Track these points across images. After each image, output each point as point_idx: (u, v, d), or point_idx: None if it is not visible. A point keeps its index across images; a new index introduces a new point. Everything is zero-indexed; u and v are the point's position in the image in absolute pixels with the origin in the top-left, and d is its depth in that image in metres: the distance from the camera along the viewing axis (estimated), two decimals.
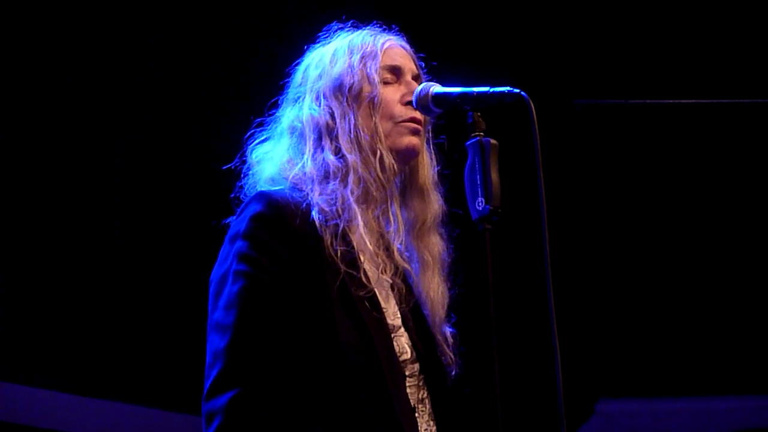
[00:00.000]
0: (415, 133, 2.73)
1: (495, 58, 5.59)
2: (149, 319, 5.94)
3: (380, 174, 2.67)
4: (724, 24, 5.66)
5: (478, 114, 2.54)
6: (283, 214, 2.56)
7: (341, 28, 2.85)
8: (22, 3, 5.00)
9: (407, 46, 2.84)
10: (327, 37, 2.86)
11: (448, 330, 2.77)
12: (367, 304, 2.55)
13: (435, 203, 2.81)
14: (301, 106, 2.75)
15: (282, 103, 2.83)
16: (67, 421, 6.38)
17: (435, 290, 2.76)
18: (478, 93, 2.56)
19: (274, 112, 2.83)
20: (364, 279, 2.57)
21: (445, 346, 2.73)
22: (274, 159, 2.73)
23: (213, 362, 2.48)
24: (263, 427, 2.43)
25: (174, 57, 5.29)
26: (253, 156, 2.77)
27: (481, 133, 2.51)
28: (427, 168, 2.82)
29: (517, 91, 2.53)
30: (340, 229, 2.58)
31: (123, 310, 5.89)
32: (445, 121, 2.84)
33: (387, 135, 2.70)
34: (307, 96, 2.76)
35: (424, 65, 2.86)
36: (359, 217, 2.61)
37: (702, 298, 6.63)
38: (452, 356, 2.74)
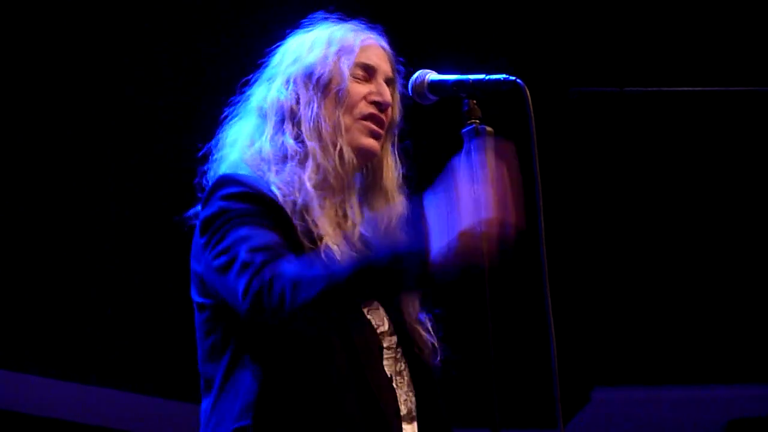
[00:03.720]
0: (373, 135, 2.73)
1: (491, 46, 5.58)
2: (145, 309, 5.94)
3: (339, 166, 2.67)
4: (720, 10, 5.65)
5: (474, 101, 2.54)
6: (251, 186, 2.57)
7: (326, 18, 2.85)
8: None
9: (387, 48, 2.84)
10: (311, 24, 2.85)
11: (425, 318, 2.76)
12: None
13: (399, 205, 2.79)
14: (269, 87, 2.76)
15: (255, 81, 2.83)
16: (64, 409, 6.39)
17: None
18: (474, 80, 2.57)
19: (246, 91, 2.83)
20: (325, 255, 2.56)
21: (424, 333, 2.73)
22: (238, 142, 2.74)
23: (238, 273, 2.43)
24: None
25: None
26: (222, 138, 2.78)
27: (477, 121, 2.51)
28: (391, 170, 2.81)
29: (513, 78, 2.54)
30: (298, 207, 2.58)
31: (119, 299, 5.90)
32: (410, 126, 2.84)
33: (347, 130, 2.70)
34: (278, 78, 2.77)
35: (402, 70, 2.86)
36: (315, 201, 2.62)
37: (697, 288, 6.63)
38: (434, 342, 2.74)
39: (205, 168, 2.77)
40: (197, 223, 2.63)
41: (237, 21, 5.34)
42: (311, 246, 2.56)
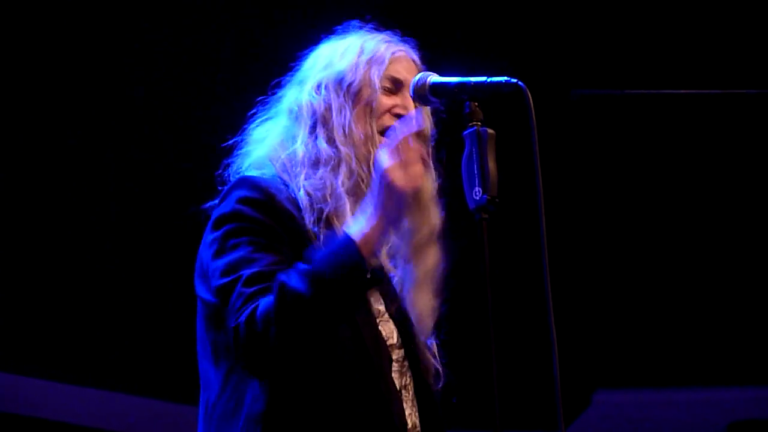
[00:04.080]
0: None
1: (492, 48, 5.59)
2: (144, 311, 5.94)
3: (372, 172, 2.65)
4: (721, 13, 5.65)
5: (476, 104, 2.54)
6: (269, 195, 2.58)
7: (361, 27, 2.86)
8: None
9: (418, 61, 2.84)
10: (345, 32, 2.86)
11: (431, 342, 2.76)
12: None
13: (433, 217, 2.79)
14: (301, 91, 2.77)
15: (287, 83, 2.84)
16: (65, 411, 6.39)
17: (423, 304, 2.74)
18: (476, 83, 2.57)
19: (277, 92, 2.83)
20: None
21: (430, 357, 2.73)
22: (267, 140, 2.75)
23: (236, 311, 2.46)
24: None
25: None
26: (250, 135, 2.78)
27: (479, 123, 2.51)
28: (427, 182, 2.79)
29: (515, 80, 2.54)
30: (325, 214, 2.60)
31: (118, 301, 5.89)
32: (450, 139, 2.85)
33: (376, 141, 2.70)
34: (309, 82, 2.77)
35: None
36: (347, 206, 2.62)
37: (698, 291, 6.63)
38: (438, 366, 2.74)
39: (229, 161, 2.77)
40: (212, 215, 2.64)
41: (238, 24, 5.34)
42: None
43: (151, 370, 6.19)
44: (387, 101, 2.74)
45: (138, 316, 5.94)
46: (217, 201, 2.67)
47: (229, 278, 2.48)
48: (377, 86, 2.73)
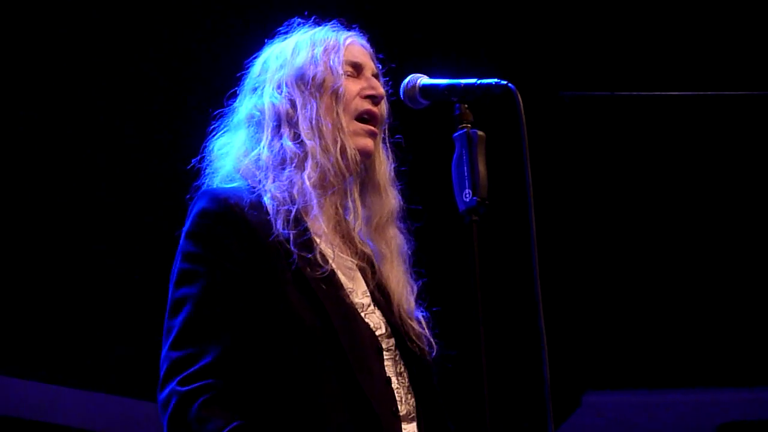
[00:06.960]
0: (370, 135, 2.77)
1: (482, 50, 5.59)
2: (144, 314, 5.93)
3: (340, 162, 2.70)
4: (711, 15, 5.66)
5: (466, 106, 2.55)
6: (228, 207, 2.59)
7: (302, 24, 2.89)
8: None
9: (367, 45, 2.88)
10: (287, 32, 2.88)
11: (420, 315, 2.79)
12: (323, 284, 2.58)
13: (391, 199, 2.83)
14: (260, 95, 2.79)
15: (239, 93, 2.85)
16: (64, 414, 6.38)
17: (396, 281, 2.78)
18: (466, 85, 2.57)
19: (232, 103, 2.85)
20: (320, 260, 2.59)
21: (419, 329, 2.75)
22: (231, 153, 2.76)
23: (161, 364, 2.54)
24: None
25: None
26: (212, 152, 2.80)
27: (469, 125, 2.52)
28: (384, 165, 2.85)
29: (505, 82, 2.54)
30: (293, 214, 2.61)
31: (118, 304, 5.88)
32: (400, 122, 2.87)
33: (347, 127, 2.73)
34: (267, 85, 2.79)
35: (382, 66, 2.89)
36: (314, 201, 2.65)
37: (688, 292, 6.64)
38: (429, 338, 2.77)
39: (199, 183, 2.78)
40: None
41: (229, 24, 5.34)
42: (302, 253, 2.57)
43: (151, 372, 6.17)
44: (353, 86, 2.76)
45: (137, 319, 5.92)
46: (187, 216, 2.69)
47: (169, 353, 2.53)
48: (340, 72, 2.75)
